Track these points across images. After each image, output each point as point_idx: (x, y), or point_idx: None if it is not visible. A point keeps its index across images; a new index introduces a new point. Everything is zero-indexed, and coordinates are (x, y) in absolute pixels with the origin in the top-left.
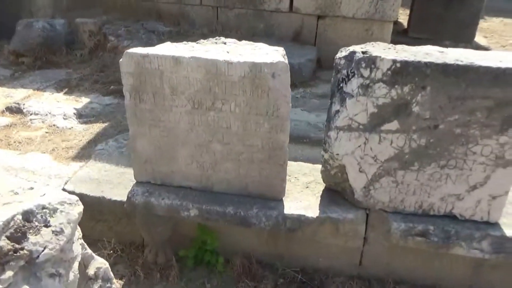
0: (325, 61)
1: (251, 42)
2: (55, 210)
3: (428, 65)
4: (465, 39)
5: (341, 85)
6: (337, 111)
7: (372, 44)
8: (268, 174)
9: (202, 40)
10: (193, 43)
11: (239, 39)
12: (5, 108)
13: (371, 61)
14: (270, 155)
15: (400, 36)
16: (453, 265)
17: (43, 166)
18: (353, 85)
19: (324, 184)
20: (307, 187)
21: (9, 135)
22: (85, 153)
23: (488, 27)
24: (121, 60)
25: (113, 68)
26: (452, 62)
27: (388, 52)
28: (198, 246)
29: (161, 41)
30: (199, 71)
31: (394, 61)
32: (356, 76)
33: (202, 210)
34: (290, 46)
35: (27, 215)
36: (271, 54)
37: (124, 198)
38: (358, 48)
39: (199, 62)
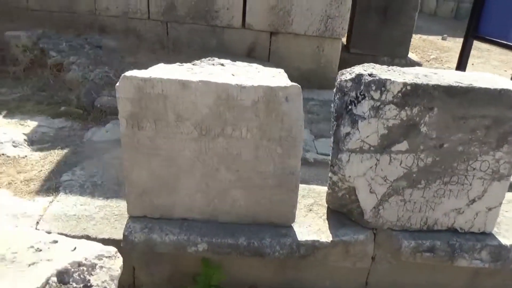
0: None
1: (248, 64)
2: (93, 267)
3: (435, 87)
4: (400, 55)
5: (349, 107)
6: (348, 133)
7: (371, 66)
8: (279, 200)
9: (196, 61)
10: (189, 65)
11: (192, 55)
12: None
13: (381, 84)
14: (281, 181)
15: (342, 51)
16: (454, 276)
17: (2, 203)
18: (364, 107)
19: (327, 206)
20: (311, 210)
21: None
22: (50, 186)
23: (412, 44)
24: (117, 84)
25: (57, 86)
26: (456, 84)
27: (392, 75)
28: (203, 282)
29: (110, 57)
30: (209, 96)
31: (405, 84)
32: (367, 98)
33: (212, 244)
34: (249, 62)
35: (62, 277)
36: (278, 77)
37: (112, 236)
38: (362, 71)
39: (209, 87)
